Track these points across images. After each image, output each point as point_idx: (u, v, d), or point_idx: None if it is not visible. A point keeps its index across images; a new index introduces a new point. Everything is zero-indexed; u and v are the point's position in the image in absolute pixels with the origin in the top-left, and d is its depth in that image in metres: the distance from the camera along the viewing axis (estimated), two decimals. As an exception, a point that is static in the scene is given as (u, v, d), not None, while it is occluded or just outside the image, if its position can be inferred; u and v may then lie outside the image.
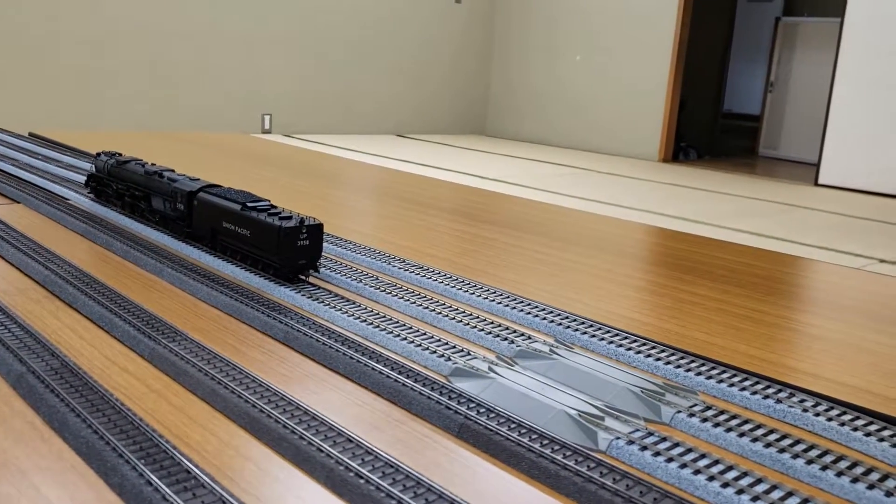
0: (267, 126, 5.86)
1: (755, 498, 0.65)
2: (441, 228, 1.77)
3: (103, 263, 1.26)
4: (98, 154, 1.60)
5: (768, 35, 6.85)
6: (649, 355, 0.95)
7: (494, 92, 6.85)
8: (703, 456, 0.71)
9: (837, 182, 4.97)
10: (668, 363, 0.93)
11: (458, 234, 1.72)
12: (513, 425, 0.75)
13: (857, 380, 0.95)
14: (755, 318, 1.20)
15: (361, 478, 0.65)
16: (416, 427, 0.78)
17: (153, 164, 1.47)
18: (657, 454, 0.71)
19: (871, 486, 0.68)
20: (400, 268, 1.29)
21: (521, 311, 1.10)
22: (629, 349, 0.97)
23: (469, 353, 0.92)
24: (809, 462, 0.71)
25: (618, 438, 0.74)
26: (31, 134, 2.74)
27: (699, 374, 0.91)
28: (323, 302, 1.07)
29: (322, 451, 0.69)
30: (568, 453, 0.71)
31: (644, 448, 0.72)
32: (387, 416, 0.80)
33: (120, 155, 1.57)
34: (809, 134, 6.32)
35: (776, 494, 0.65)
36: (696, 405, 0.82)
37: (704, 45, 6.44)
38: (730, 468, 0.69)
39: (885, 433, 0.78)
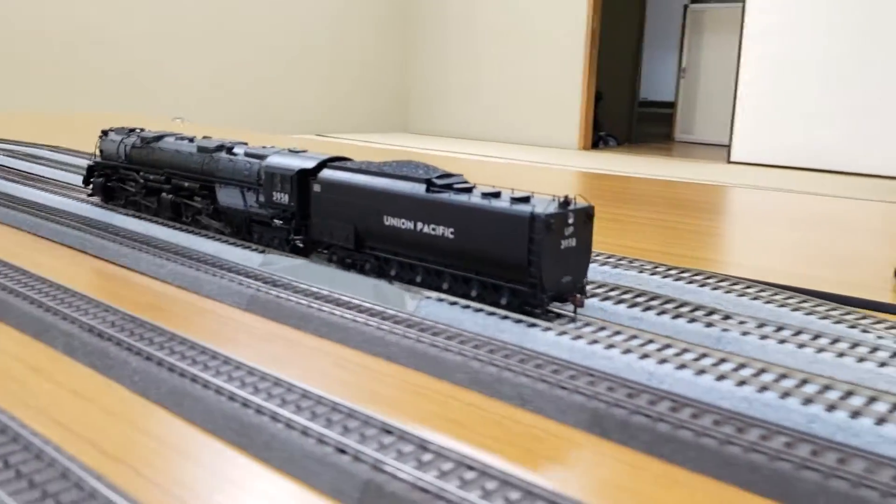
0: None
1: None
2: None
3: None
4: (105, 132, 1.02)
5: (678, 23, 6.93)
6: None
7: (414, 88, 6.80)
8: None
9: (748, 159, 5.04)
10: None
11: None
12: (309, 293, 0.67)
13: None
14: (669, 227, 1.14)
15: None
16: (204, 306, 0.69)
17: (207, 138, 0.94)
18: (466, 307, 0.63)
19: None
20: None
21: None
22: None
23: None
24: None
25: (428, 297, 0.65)
26: None
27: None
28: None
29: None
30: (362, 310, 0.62)
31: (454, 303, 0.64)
32: (164, 298, 0.70)
33: (142, 130, 1.00)
34: (721, 117, 6.40)
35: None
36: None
37: (618, 35, 6.49)
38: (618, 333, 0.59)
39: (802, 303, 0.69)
